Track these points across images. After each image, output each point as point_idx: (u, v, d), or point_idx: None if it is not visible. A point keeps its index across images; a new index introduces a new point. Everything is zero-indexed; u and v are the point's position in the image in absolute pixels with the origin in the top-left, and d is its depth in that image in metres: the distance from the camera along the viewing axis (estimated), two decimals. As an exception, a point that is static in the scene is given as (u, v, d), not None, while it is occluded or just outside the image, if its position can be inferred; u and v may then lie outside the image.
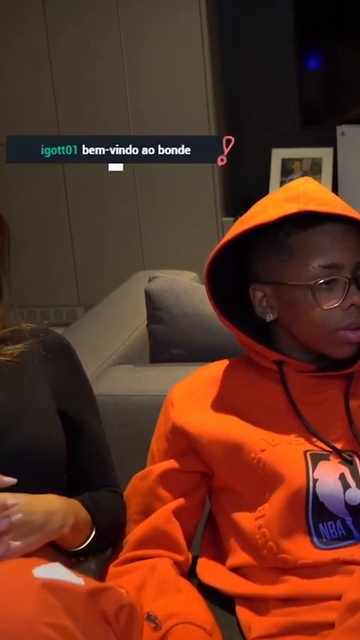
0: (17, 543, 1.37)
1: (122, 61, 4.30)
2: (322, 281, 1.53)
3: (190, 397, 1.64)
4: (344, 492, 1.50)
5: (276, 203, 1.58)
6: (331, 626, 1.41)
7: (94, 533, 1.55)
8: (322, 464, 1.52)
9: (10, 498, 1.38)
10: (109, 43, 4.28)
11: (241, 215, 5.00)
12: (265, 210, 1.58)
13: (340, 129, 4.17)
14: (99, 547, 1.59)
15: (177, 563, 1.59)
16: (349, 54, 4.22)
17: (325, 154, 4.30)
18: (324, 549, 1.48)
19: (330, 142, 4.24)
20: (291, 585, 1.48)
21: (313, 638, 1.42)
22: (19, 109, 4.47)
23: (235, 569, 1.56)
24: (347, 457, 1.53)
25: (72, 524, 1.48)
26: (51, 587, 1.16)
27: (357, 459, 1.54)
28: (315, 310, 1.54)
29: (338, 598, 1.43)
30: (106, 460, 1.68)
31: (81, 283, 4.59)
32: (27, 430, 1.52)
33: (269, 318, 1.60)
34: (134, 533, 1.61)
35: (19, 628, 1.11)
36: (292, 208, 1.54)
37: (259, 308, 1.61)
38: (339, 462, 1.53)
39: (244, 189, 4.48)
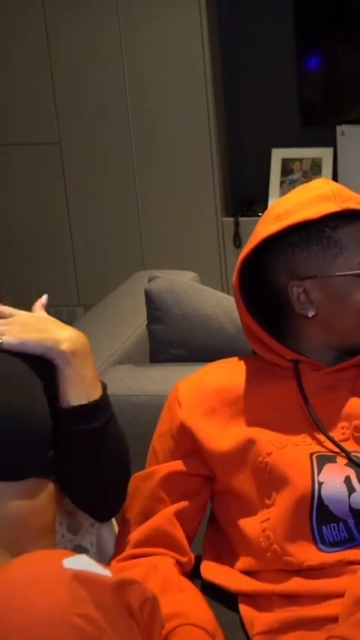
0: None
1: (122, 61, 4.30)
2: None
3: (197, 396, 1.64)
4: (349, 496, 1.50)
5: (311, 202, 1.59)
6: (333, 620, 1.42)
7: (103, 394, 1.56)
8: (327, 466, 1.52)
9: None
10: (108, 43, 4.28)
11: (241, 215, 4.99)
12: (301, 209, 1.59)
13: (340, 129, 4.16)
14: (108, 431, 1.58)
15: (179, 564, 1.59)
16: (349, 54, 4.22)
17: (325, 153, 4.29)
18: (327, 552, 1.48)
19: (330, 142, 4.24)
20: (295, 583, 1.49)
21: (315, 633, 1.43)
22: (19, 109, 4.47)
23: (241, 572, 1.57)
24: (354, 458, 1.52)
25: (78, 353, 1.53)
26: (81, 578, 1.19)
27: None
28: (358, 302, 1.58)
29: (341, 595, 1.44)
30: None
31: (81, 283, 4.59)
32: (7, 394, 1.51)
33: (311, 313, 1.60)
34: (136, 533, 1.61)
35: (52, 618, 1.14)
36: (332, 207, 1.57)
37: (298, 304, 1.61)
38: (345, 464, 1.53)
39: (244, 189, 4.48)
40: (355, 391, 1.60)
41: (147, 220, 4.46)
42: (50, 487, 1.55)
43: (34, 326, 1.56)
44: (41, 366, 1.58)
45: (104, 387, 1.58)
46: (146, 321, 2.24)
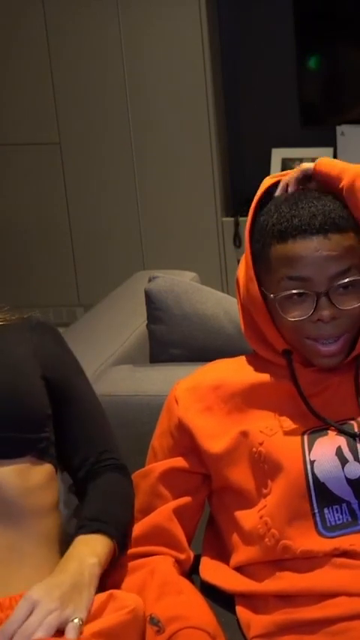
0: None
1: (122, 61, 4.30)
2: (284, 294, 1.54)
3: (194, 394, 1.65)
4: (343, 468, 1.50)
5: None
6: (329, 622, 1.42)
7: (115, 548, 1.53)
8: (319, 442, 1.53)
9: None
10: (108, 43, 4.28)
11: (241, 215, 5.01)
12: None
13: (340, 129, 4.17)
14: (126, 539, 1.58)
15: (178, 562, 1.60)
16: (349, 54, 4.22)
17: (325, 153, 4.29)
18: (327, 537, 1.49)
19: (330, 142, 4.24)
20: (288, 581, 1.49)
21: (312, 636, 1.43)
22: (19, 109, 4.47)
23: (238, 568, 1.57)
24: (345, 429, 1.53)
25: (96, 562, 1.46)
26: None
27: (355, 426, 1.54)
28: (284, 319, 1.56)
29: (334, 595, 1.45)
30: (101, 422, 1.68)
31: (81, 283, 4.59)
32: (2, 377, 1.53)
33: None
34: (135, 529, 1.61)
35: None
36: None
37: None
38: (337, 434, 1.53)
39: (244, 189, 4.48)
40: (350, 374, 1.59)
41: (147, 220, 4.46)
42: (48, 468, 1.57)
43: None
44: (46, 363, 1.61)
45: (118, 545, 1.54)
46: (146, 321, 2.24)
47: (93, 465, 1.62)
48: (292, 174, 1.63)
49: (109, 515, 1.54)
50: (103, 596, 1.43)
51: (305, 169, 1.62)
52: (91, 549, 1.48)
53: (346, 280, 1.53)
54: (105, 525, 1.52)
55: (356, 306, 1.54)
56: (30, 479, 1.52)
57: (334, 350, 1.55)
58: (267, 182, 1.64)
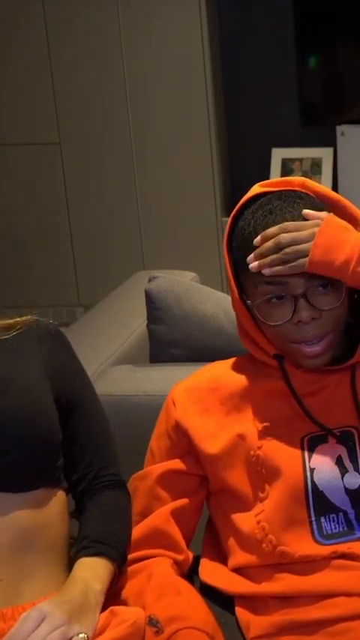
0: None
1: (122, 61, 4.30)
2: (262, 299, 1.54)
3: (192, 396, 1.65)
4: (342, 478, 1.51)
5: None
6: (328, 623, 1.42)
7: (116, 570, 1.53)
8: (319, 449, 1.53)
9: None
10: (108, 43, 4.28)
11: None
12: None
13: (340, 129, 4.17)
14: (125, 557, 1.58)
15: (177, 563, 1.60)
16: (349, 54, 4.22)
17: (325, 153, 4.29)
18: (324, 544, 1.49)
19: (330, 141, 4.24)
20: (287, 582, 1.49)
21: (310, 637, 1.43)
22: (19, 109, 4.47)
23: (236, 570, 1.57)
24: (343, 435, 1.53)
25: (101, 589, 1.46)
26: None
27: (356, 435, 1.54)
28: (267, 325, 1.56)
29: (334, 595, 1.45)
30: (104, 435, 1.65)
31: (81, 283, 4.59)
32: (13, 400, 1.50)
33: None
34: (134, 532, 1.61)
35: None
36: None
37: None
38: (336, 442, 1.53)
39: (244, 189, 4.47)
40: (346, 377, 1.59)
41: (147, 220, 4.46)
42: (61, 496, 1.55)
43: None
44: (54, 375, 1.59)
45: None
46: (146, 321, 2.24)
47: (92, 481, 1.60)
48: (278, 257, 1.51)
49: (111, 537, 1.53)
50: (104, 614, 1.43)
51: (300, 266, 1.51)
52: (95, 574, 1.47)
53: (322, 281, 1.52)
54: (107, 548, 1.51)
55: (336, 305, 1.53)
56: (44, 512, 1.50)
57: (317, 350, 1.55)
58: (255, 190, 1.62)
